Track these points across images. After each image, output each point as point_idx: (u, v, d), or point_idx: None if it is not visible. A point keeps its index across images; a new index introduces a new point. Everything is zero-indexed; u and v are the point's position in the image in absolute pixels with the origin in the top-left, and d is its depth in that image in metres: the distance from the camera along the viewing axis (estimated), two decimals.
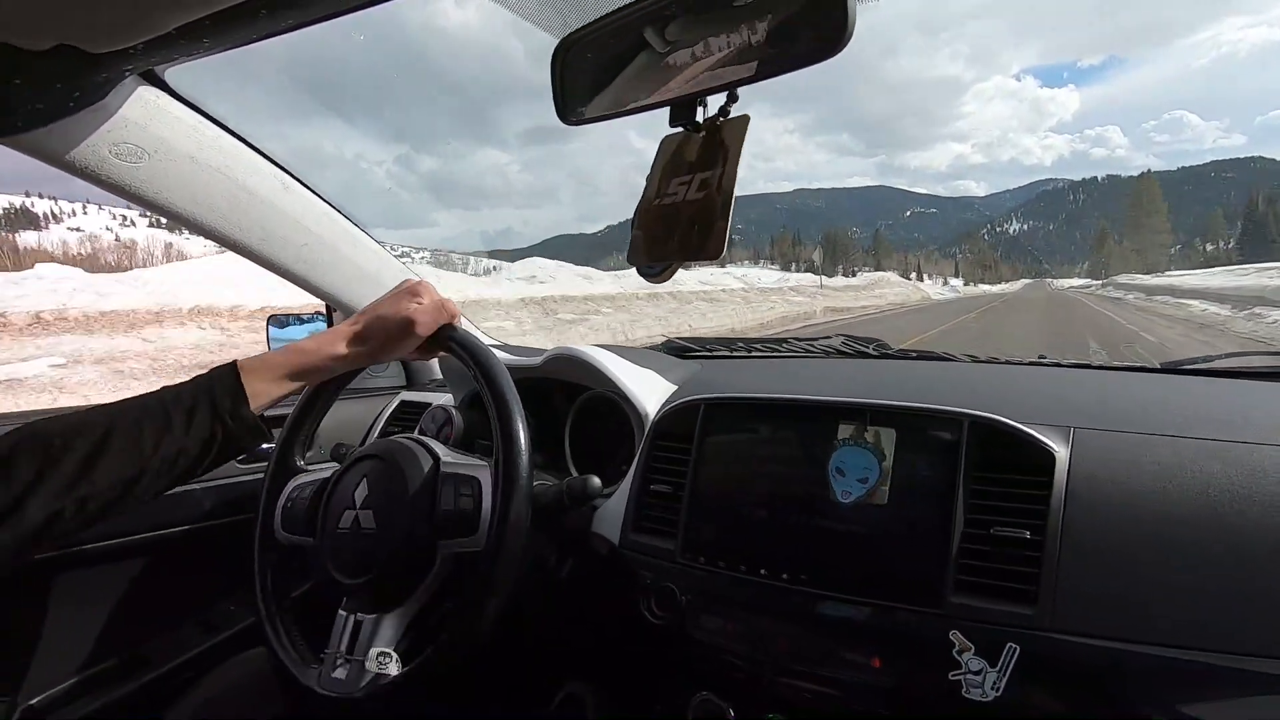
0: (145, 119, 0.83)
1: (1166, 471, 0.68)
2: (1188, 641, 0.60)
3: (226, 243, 1.00)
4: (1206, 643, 0.59)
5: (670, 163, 0.58)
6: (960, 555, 0.70)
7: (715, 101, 0.56)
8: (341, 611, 0.78)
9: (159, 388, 0.67)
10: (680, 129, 0.57)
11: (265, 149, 1.00)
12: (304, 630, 0.83)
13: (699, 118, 0.56)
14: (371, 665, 0.72)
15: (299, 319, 1.45)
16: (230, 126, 0.94)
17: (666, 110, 0.57)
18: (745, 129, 0.55)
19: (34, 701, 0.92)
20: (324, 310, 1.39)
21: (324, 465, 0.89)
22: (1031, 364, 1.14)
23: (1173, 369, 1.05)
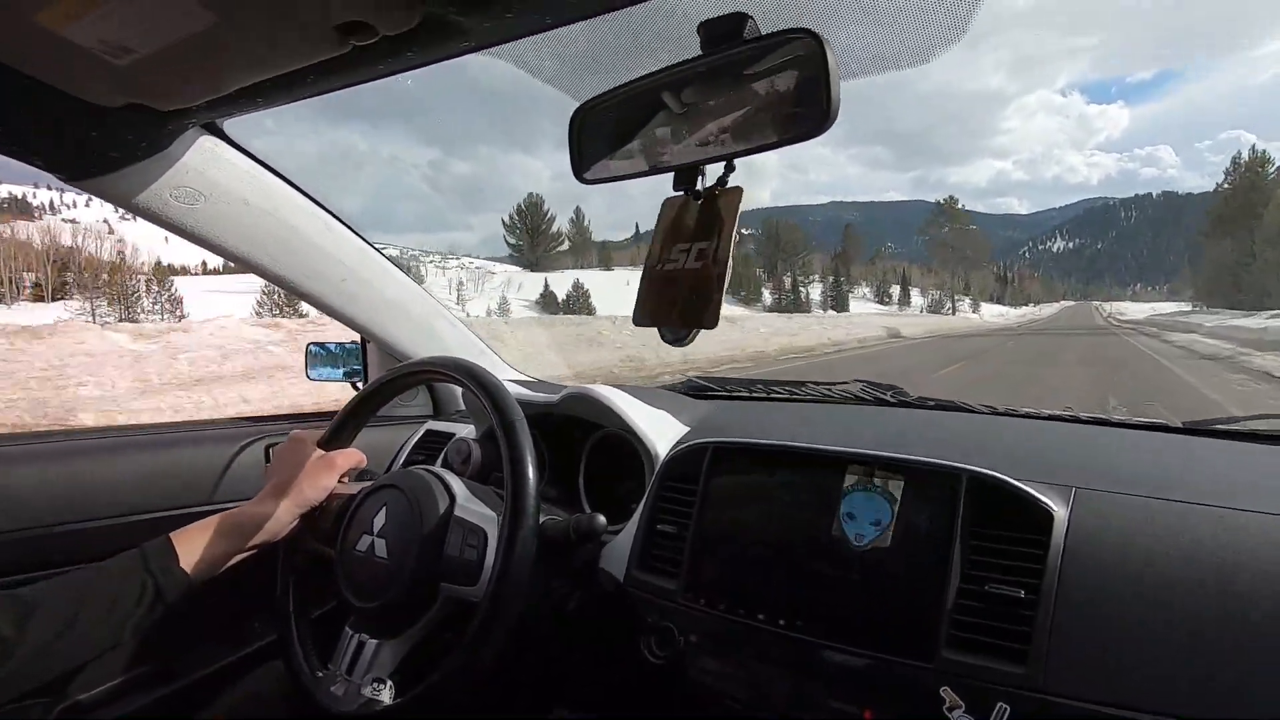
0: (203, 165, 0.90)
1: (1171, 537, 0.68)
2: (1186, 712, 0.59)
3: (272, 278, 1.07)
4: (1206, 714, 0.59)
5: (672, 227, 0.61)
6: (954, 610, 0.70)
7: (714, 173, 0.60)
8: (348, 629, 0.82)
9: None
10: (681, 193, 0.61)
11: (311, 192, 1.08)
12: (316, 641, 0.87)
13: (699, 185, 0.60)
14: (366, 690, 0.76)
15: (340, 345, 1.52)
16: (280, 171, 1.02)
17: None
18: (739, 201, 0.58)
19: (67, 703, 0.97)
20: (359, 341, 1.46)
21: (352, 484, 0.93)
22: (1050, 418, 1.13)
23: (1194, 429, 1.04)
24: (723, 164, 0.57)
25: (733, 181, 0.58)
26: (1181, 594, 0.64)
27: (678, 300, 0.58)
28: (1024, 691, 0.64)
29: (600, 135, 0.67)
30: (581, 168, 0.68)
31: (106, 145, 0.80)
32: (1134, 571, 0.66)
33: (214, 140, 0.91)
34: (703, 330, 0.58)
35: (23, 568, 0.94)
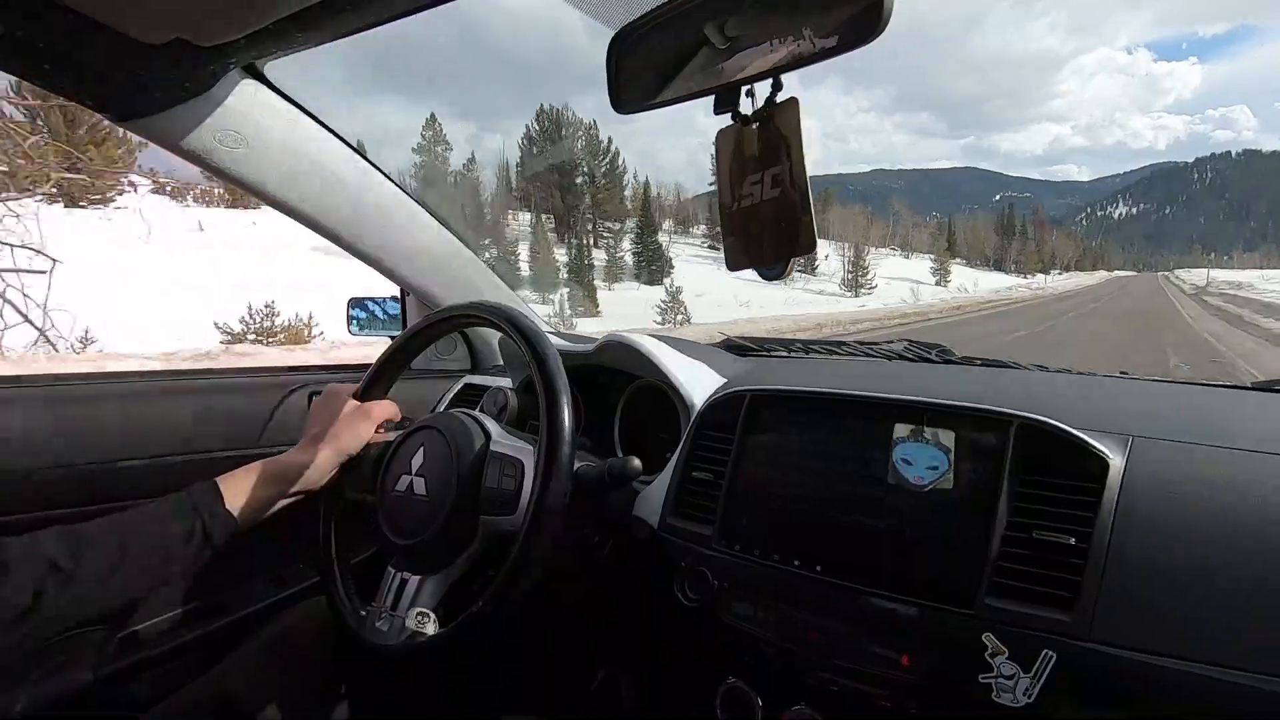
0: (247, 109, 0.91)
1: (1235, 487, 0.65)
2: (1240, 663, 0.56)
3: (314, 226, 1.08)
4: (1262, 665, 0.56)
5: (734, 160, 0.58)
6: (999, 558, 0.68)
7: (762, 92, 0.57)
8: (390, 568, 0.83)
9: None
10: (732, 122, 0.59)
11: (352, 141, 1.08)
12: (358, 582, 0.89)
13: (746, 109, 0.57)
14: (411, 623, 0.77)
15: (376, 301, 1.54)
16: (320, 118, 1.02)
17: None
18: (798, 113, 0.55)
19: (123, 634, 1.02)
20: (399, 295, 1.48)
21: (390, 432, 0.95)
22: (1106, 376, 1.09)
23: (1265, 387, 0.98)
24: (769, 81, 0.55)
25: None
26: (1246, 545, 0.61)
27: (765, 233, 0.55)
28: (1070, 639, 0.62)
29: (638, 62, 0.65)
30: (619, 99, 0.67)
31: (152, 84, 0.81)
32: (1194, 520, 0.63)
33: (256, 84, 0.92)
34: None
35: (86, 500, 0.98)
